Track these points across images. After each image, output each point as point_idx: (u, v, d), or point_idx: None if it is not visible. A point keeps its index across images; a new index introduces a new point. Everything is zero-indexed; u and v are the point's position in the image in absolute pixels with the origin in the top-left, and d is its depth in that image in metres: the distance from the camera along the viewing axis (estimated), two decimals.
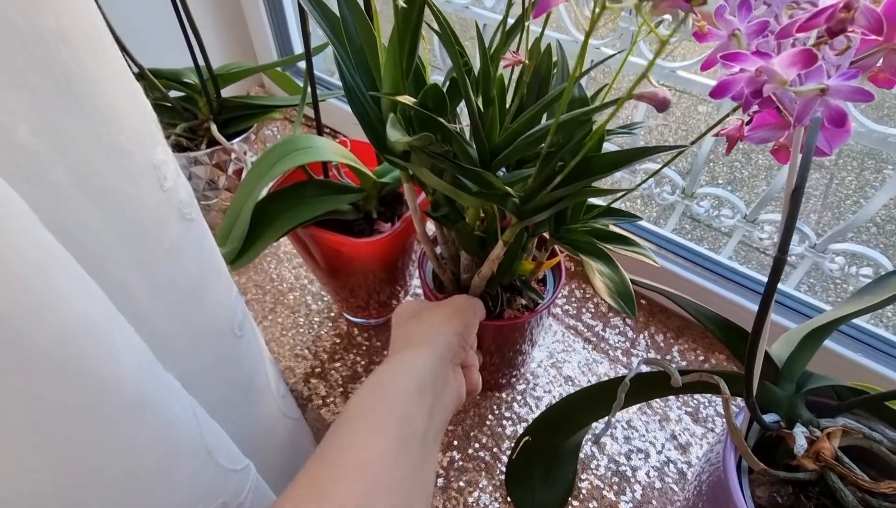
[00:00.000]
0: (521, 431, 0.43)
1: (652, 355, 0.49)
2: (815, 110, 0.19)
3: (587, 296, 0.54)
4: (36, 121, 0.15)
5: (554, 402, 0.42)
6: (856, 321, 0.47)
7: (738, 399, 0.30)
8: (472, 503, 0.39)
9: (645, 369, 0.32)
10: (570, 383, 0.47)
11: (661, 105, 0.17)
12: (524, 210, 0.26)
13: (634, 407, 0.45)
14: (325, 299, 0.54)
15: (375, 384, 0.24)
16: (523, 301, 0.39)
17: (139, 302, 0.20)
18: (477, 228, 0.34)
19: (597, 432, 0.44)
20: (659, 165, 0.54)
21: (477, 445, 0.43)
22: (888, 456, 0.28)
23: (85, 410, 0.16)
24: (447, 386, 0.27)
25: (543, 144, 0.24)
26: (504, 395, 0.46)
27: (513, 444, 0.40)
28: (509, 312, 0.38)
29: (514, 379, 0.47)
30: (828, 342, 0.45)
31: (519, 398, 0.46)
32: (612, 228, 0.29)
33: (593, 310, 0.53)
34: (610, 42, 0.53)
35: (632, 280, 0.34)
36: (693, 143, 0.24)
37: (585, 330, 0.51)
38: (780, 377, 0.30)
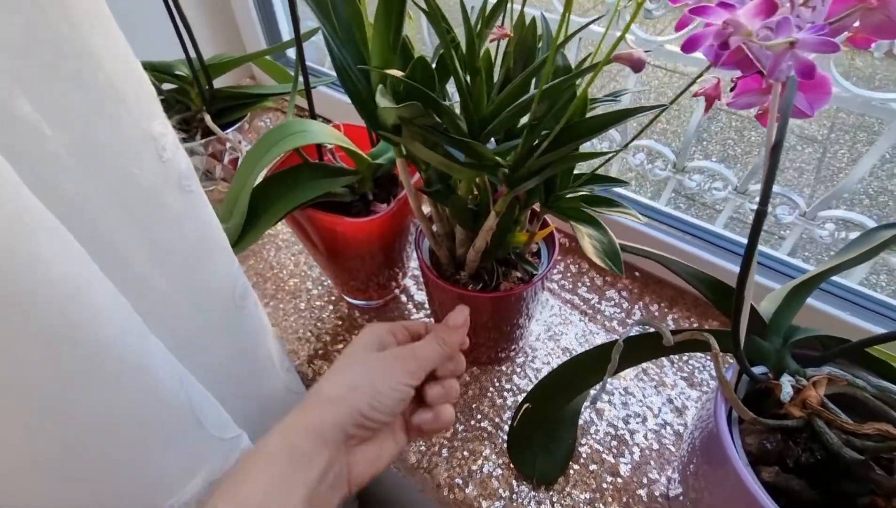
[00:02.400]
0: (521, 401, 0.44)
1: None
2: (788, 64, 0.19)
3: (582, 271, 0.55)
4: (36, 93, 0.16)
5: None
6: (844, 281, 0.48)
7: (730, 358, 0.31)
8: (476, 470, 0.40)
9: (637, 331, 0.33)
10: (567, 354, 0.48)
11: (637, 65, 0.18)
12: (514, 179, 0.27)
13: (631, 374, 0.47)
14: (326, 283, 0.55)
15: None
16: (518, 274, 0.40)
17: (138, 269, 0.21)
18: (470, 201, 0.35)
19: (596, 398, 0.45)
20: (652, 146, 0.55)
21: (479, 416, 0.44)
22: (872, 402, 0.29)
23: (67, 368, 0.16)
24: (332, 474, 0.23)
25: (529, 113, 0.24)
26: (504, 368, 0.47)
27: (513, 414, 0.41)
28: (505, 284, 0.39)
29: (512, 353, 0.48)
30: (816, 302, 0.46)
31: (518, 370, 0.47)
32: (599, 194, 0.30)
33: (589, 284, 0.54)
34: (600, 21, 0.53)
35: (623, 246, 0.35)
36: (672, 102, 0.25)
37: (581, 303, 0.52)
38: (768, 331, 0.31)
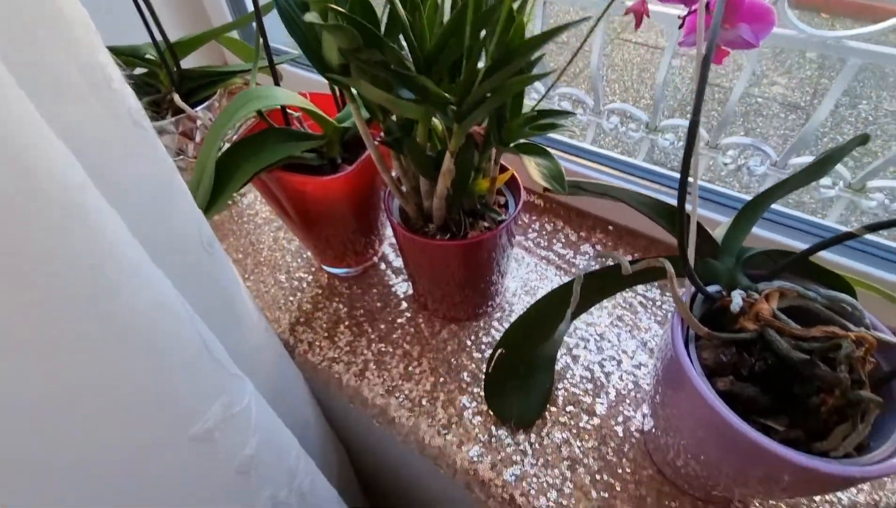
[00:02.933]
0: (494, 347, 0.45)
1: None
2: None
3: (557, 229, 0.56)
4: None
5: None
6: (800, 214, 0.49)
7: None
8: (455, 418, 0.41)
9: (596, 267, 0.34)
10: None
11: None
12: (460, 113, 0.28)
13: (606, 321, 0.47)
14: (305, 256, 0.56)
15: None
16: (486, 224, 0.41)
17: (97, 204, 0.21)
18: (428, 148, 0.35)
19: (571, 347, 0.46)
20: (626, 109, 0.55)
21: (458, 369, 0.45)
22: (823, 312, 0.30)
23: (81, 271, 0.17)
24: None
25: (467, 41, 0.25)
26: (481, 323, 0.48)
27: (488, 360, 0.42)
28: (473, 233, 0.40)
29: (490, 309, 0.49)
30: (767, 232, 0.47)
31: (496, 324, 0.48)
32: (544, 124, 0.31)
33: (564, 240, 0.55)
34: None
35: (577, 183, 0.35)
36: (600, 17, 0.25)
37: (557, 259, 0.53)
38: (720, 253, 0.32)
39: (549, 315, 0.38)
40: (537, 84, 0.62)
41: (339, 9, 0.25)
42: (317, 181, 0.40)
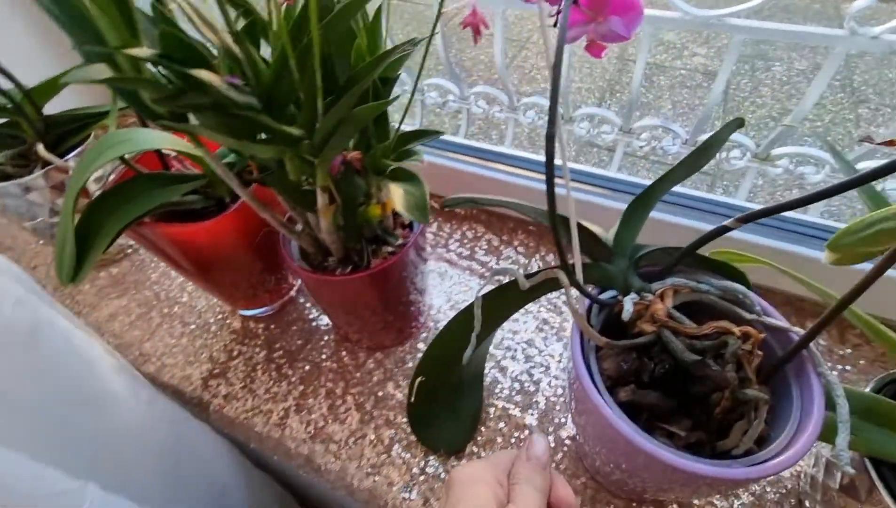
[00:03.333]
0: (413, 376, 0.43)
1: None
2: None
3: (479, 235, 0.55)
4: None
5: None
6: (696, 192, 0.50)
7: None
8: (384, 455, 0.39)
9: (495, 284, 0.33)
10: None
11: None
12: (315, 146, 0.26)
13: (532, 327, 0.47)
14: (215, 299, 0.52)
15: None
16: (390, 249, 0.39)
17: None
18: (304, 183, 0.33)
19: (499, 359, 0.45)
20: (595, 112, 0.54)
21: (385, 398, 0.43)
22: (720, 303, 0.30)
23: None
24: None
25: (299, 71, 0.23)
26: (407, 347, 0.46)
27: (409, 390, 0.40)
28: (376, 261, 0.38)
29: (415, 330, 0.47)
30: (667, 216, 0.47)
31: (422, 345, 0.46)
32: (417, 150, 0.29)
33: (486, 247, 0.54)
34: None
35: (473, 199, 0.34)
36: (432, 36, 0.24)
37: (480, 267, 0.52)
38: (613, 255, 0.31)
39: (461, 337, 0.36)
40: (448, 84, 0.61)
41: (143, 54, 0.22)
42: (196, 228, 0.37)
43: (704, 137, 0.54)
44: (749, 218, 0.26)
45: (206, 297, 0.52)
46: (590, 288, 0.31)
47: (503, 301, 0.33)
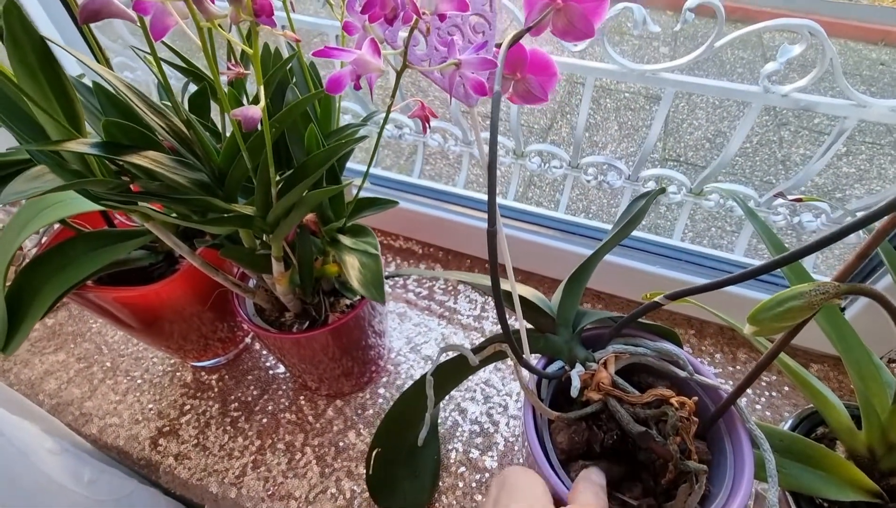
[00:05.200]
0: (369, 448, 0.42)
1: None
2: (460, 82, 0.20)
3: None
4: None
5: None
6: (637, 233, 0.53)
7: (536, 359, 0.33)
8: None
9: (447, 357, 0.34)
10: (430, 362, 0.49)
11: (249, 123, 0.17)
12: (269, 225, 0.26)
13: (490, 366, 0.48)
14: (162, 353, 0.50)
15: None
16: (348, 301, 0.39)
17: None
18: (259, 247, 0.33)
19: (458, 401, 0.46)
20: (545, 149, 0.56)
21: (346, 449, 0.43)
22: (657, 364, 0.32)
23: None
24: None
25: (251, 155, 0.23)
26: (367, 392, 0.46)
27: (366, 461, 0.40)
28: (333, 316, 0.38)
29: (374, 374, 0.47)
30: (620, 259, 0.51)
31: (382, 390, 0.46)
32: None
33: (444, 286, 0.55)
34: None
35: (396, 273, 0.35)
36: (381, 131, 0.25)
37: (438, 307, 0.53)
38: (557, 326, 0.33)
39: (416, 408, 0.37)
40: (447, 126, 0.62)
41: (83, 149, 0.21)
42: (145, 291, 0.36)
43: (647, 172, 0.59)
44: (678, 296, 0.28)
45: (154, 350, 0.50)
46: (537, 358, 0.33)
47: (454, 373, 0.34)
